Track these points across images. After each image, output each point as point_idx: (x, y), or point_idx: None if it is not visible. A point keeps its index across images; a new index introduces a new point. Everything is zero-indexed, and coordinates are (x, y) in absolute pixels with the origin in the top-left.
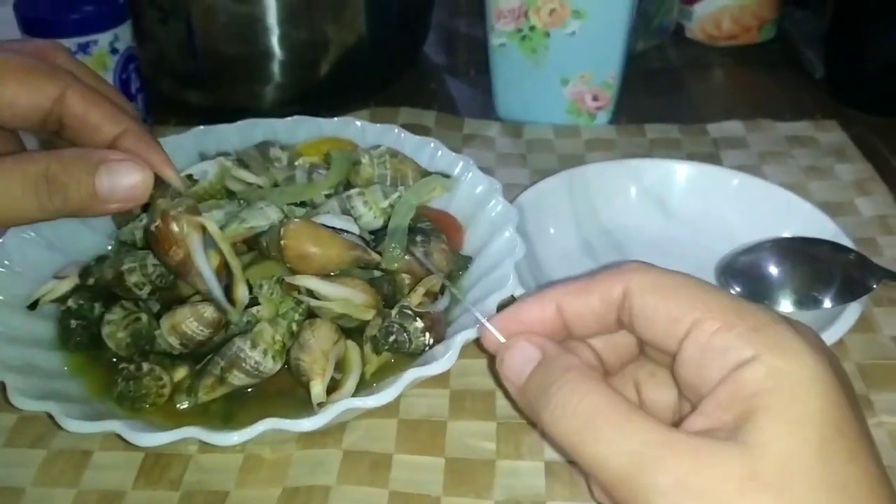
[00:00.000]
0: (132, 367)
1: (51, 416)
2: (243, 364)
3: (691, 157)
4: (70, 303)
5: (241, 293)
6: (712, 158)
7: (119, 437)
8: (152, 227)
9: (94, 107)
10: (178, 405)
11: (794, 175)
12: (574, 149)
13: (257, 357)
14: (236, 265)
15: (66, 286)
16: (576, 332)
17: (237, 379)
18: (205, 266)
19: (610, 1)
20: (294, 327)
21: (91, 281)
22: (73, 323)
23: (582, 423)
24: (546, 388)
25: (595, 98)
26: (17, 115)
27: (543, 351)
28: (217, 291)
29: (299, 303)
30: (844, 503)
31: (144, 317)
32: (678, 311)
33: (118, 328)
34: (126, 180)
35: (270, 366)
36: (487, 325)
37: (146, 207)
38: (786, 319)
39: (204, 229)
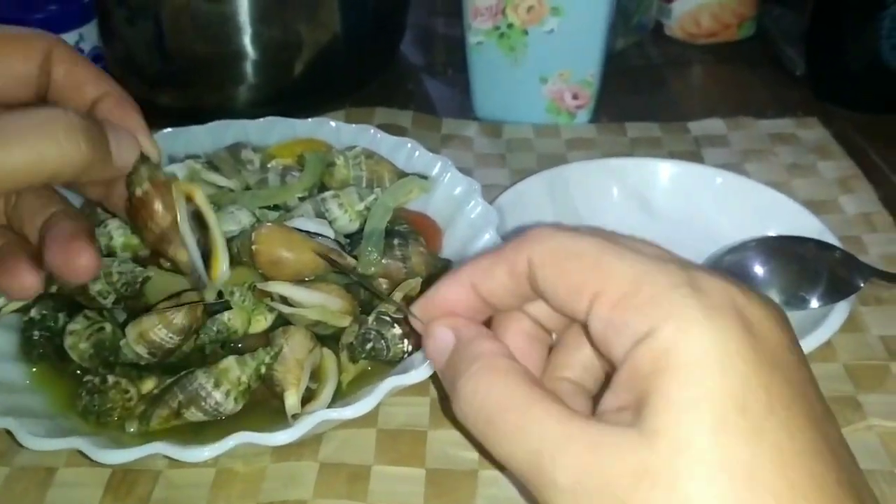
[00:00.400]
0: (97, 379)
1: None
2: (202, 403)
3: (673, 155)
4: (33, 313)
5: (221, 267)
6: (694, 157)
7: (84, 454)
8: (139, 193)
9: (79, 66)
10: (127, 429)
11: (777, 173)
12: (554, 148)
13: (218, 397)
14: (220, 238)
15: None
16: (499, 307)
17: (193, 416)
18: (189, 235)
19: None
20: (262, 370)
21: (54, 289)
22: (36, 334)
23: (485, 421)
24: (454, 382)
25: (575, 96)
26: (14, 75)
27: (457, 335)
28: (199, 262)
29: (271, 309)
30: (750, 493)
31: (109, 326)
32: (578, 283)
33: (81, 339)
34: (128, 147)
35: (231, 407)
36: (408, 310)
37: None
38: (694, 278)
39: (188, 200)
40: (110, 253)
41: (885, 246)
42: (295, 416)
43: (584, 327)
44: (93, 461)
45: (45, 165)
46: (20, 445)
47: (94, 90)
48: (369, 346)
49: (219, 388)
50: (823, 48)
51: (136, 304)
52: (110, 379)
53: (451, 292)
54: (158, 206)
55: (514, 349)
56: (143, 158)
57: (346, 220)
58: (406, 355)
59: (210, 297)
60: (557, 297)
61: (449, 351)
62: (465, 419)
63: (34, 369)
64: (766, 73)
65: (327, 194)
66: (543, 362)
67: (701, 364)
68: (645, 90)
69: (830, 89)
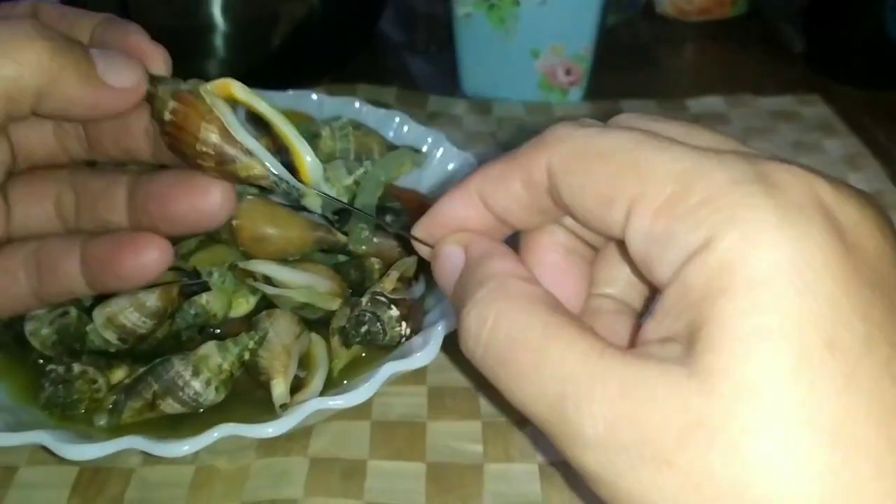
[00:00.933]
0: (61, 368)
1: None
2: (180, 393)
3: None
4: None
5: (311, 165)
6: None
7: (48, 450)
8: (168, 117)
9: (68, 14)
10: (95, 422)
11: (783, 151)
12: (546, 126)
13: (197, 387)
14: (291, 131)
15: None
16: (518, 226)
17: (170, 408)
18: (249, 138)
19: None
20: (246, 356)
21: None
22: None
23: (495, 360)
24: (459, 311)
25: (568, 72)
26: None
27: (467, 253)
28: (278, 166)
29: (254, 291)
30: (839, 456)
31: (74, 311)
32: (610, 188)
33: (43, 324)
34: (124, 67)
35: (212, 398)
36: (410, 235)
37: None
38: (764, 170)
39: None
40: None
41: None
42: (283, 407)
43: (622, 246)
44: (58, 458)
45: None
46: None
47: (91, 19)
48: (364, 328)
49: (198, 377)
50: (824, 24)
51: None
52: (76, 368)
53: (458, 207)
54: (197, 119)
55: (548, 267)
56: (154, 78)
57: (334, 196)
58: (404, 339)
59: (314, 204)
60: (585, 209)
61: (458, 273)
62: (473, 357)
63: None
64: (760, 50)
65: None
66: (586, 282)
67: (774, 283)
68: (637, 68)
69: (830, 67)
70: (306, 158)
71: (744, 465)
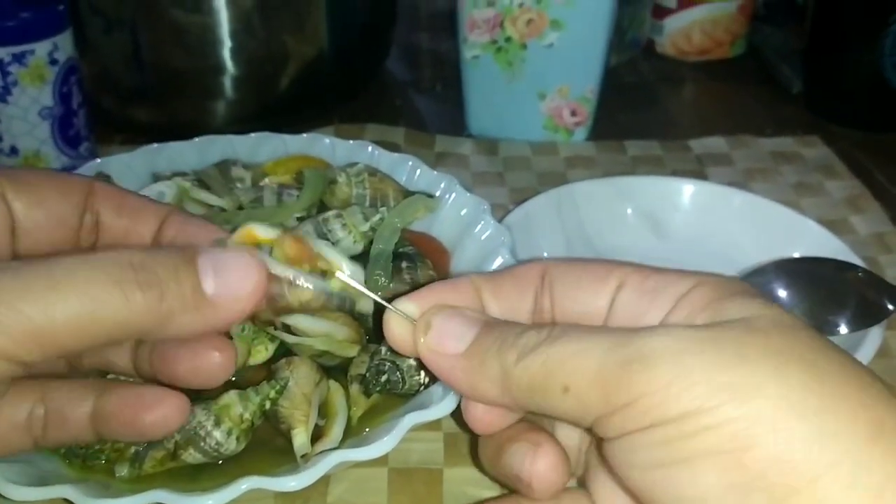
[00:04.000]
0: None
1: None
2: (202, 443)
3: (676, 174)
4: None
5: (353, 272)
6: (698, 175)
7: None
8: None
9: (129, 198)
10: (116, 472)
11: (785, 192)
12: (553, 166)
13: (219, 437)
14: (323, 247)
15: None
16: (504, 315)
17: (191, 457)
18: (328, 249)
19: (590, 11)
20: (267, 405)
21: None
22: None
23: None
24: (501, 366)
25: (573, 113)
26: (52, 214)
27: (479, 321)
28: (315, 282)
29: (273, 338)
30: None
31: None
32: (604, 272)
33: None
34: (238, 273)
35: (233, 447)
36: (389, 305)
37: None
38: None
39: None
40: None
41: None
42: (304, 457)
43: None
44: None
45: (104, 318)
46: None
47: (156, 211)
48: (384, 377)
49: (219, 427)
50: (822, 66)
51: None
52: None
53: (450, 291)
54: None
55: None
56: None
57: (350, 242)
58: (422, 387)
59: (367, 306)
60: (580, 286)
61: (476, 329)
62: (526, 357)
63: None
64: (760, 90)
65: (329, 214)
66: None
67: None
68: (639, 107)
69: (829, 107)
70: (345, 269)
71: None
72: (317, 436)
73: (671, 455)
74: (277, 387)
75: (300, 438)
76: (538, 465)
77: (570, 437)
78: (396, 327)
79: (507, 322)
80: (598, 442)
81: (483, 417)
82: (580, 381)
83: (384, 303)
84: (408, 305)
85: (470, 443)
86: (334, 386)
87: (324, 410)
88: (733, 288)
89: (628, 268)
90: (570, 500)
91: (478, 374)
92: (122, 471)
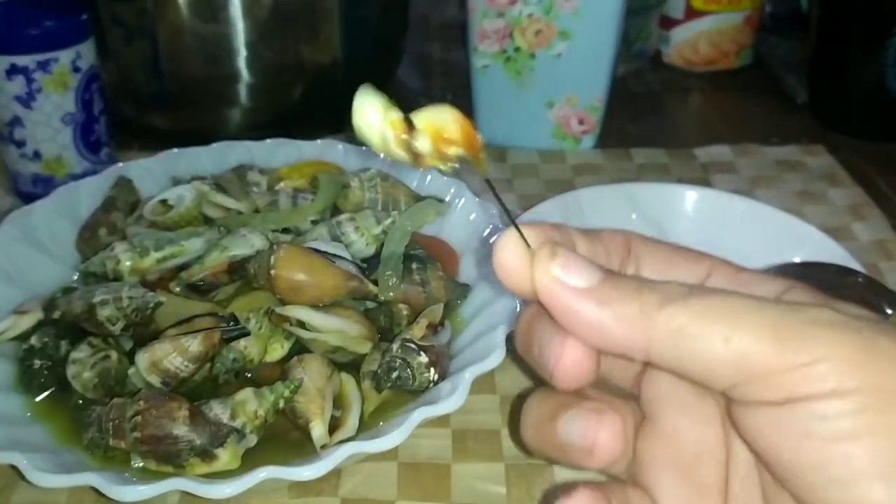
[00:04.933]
0: (105, 410)
1: (13, 468)
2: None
3: (682, 181)
4: (33, 340)
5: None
6: (703, 183)
7: (94, 490)
8: None
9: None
10: (133, 464)
11: (788, 200)
12: (561, 174)
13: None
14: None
15: (27, 322)
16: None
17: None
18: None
19: (597, 21)
20: (281, 403)
21: (57, 315)
22: (37, 363)
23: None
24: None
25: (581, 122)
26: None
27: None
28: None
29: (288, 336)
30: None
31: (114, 354)
32: (694, 256)
33: (84, 368)
34: None
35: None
36: (517, 225)
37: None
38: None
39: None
40: (117, 277)
41: None
42: (324, 447)
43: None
44: (97, 498)
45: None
46: (19, 482)
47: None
48: (395, 374)
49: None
50: (826, 77)
51: (143, 331)
52: None
53: (558, 233)
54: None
55: None
56: None
57: (363, 244)
58: (432, 384)
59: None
60: (671, 268)
61: (597, 276)
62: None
63: (34, 401)
64: (765, 100)
65: (342, 217)
66: None
67: None
68: (646, 117)
69: (833, 117)
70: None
71: None
72: (333, 426)
73: (838, 427)
74: (292, 386)
75: (318, 430)
76: (602, 433)
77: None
78: (514, 249)
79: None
80: (729, 404)
81: (578, 364)
82: (749, 333)
83: (507, 213)
84: (528, 234)
85: (510, 416)
86: (346, 378)
87: (338, 402)
88: (823, 295)
89: (715, 258)
90: (636, 495)
91: (608, 311)
92: (138, 461)
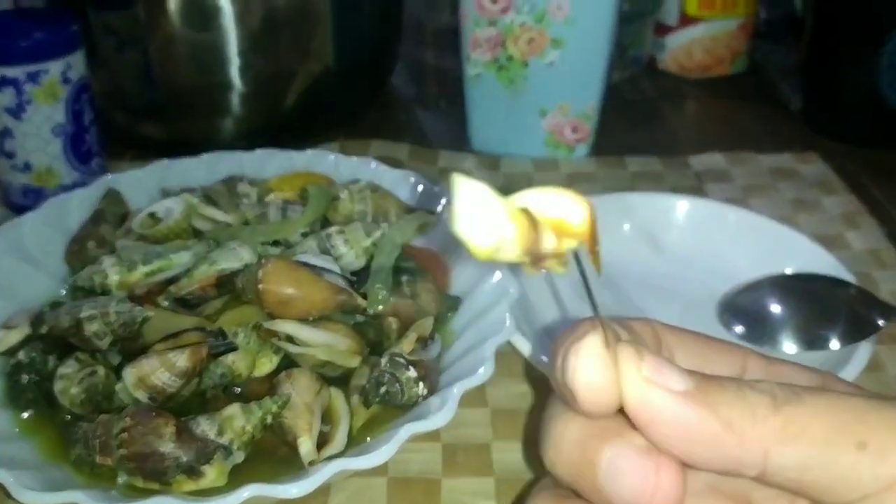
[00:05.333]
0: (91, 426)
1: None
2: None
3: (675, 190)
4: (21, 355)
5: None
6: (697, 192)
7: None
8: None
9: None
10: (119, 480)
11: (782, 208)
12: (554, 182)
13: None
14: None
15: (15, 336)
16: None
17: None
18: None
19: (590, 29)
20: (269, 419)
21: (44, 329)
22: (25, 378)
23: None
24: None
25: (574, 130)
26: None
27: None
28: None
29: (277, 350)
30: None
31: (102, 370)
32: (727, 349)
33: (72, 383)
34: None
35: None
36: (604, 320)
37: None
38: None
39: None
40: (105, 291)
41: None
42: (311, 463)
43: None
44: None
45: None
46: (9, 499)
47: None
48: (383, 389)
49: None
50: (820, 83)
51: (131, 346)
52: None
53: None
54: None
55: None
56: None
57: (352, 257)
58: (421, 399)
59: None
60: (706, 362)
61: (688, 379)
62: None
63: (22, 416)
64: (760, 107)
65: (332, 230)
66: None
67: None
68: (641, 124)
69: (827, 124)
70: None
71: None
72: (322, 442)
73: None
74: (280, 402)
75: (306, 446)
76: (663, 482)
77: None
78: (597, 351)
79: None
80: None
81: (678, 487)
82: (886, 436)
83: (596, 310)
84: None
85: (525, 428)
86: (335, 392)
87: (327, 417)
88: (858, 387)
89: (748, 350)
90: None
91: (707, 420)
92: (123, 476)
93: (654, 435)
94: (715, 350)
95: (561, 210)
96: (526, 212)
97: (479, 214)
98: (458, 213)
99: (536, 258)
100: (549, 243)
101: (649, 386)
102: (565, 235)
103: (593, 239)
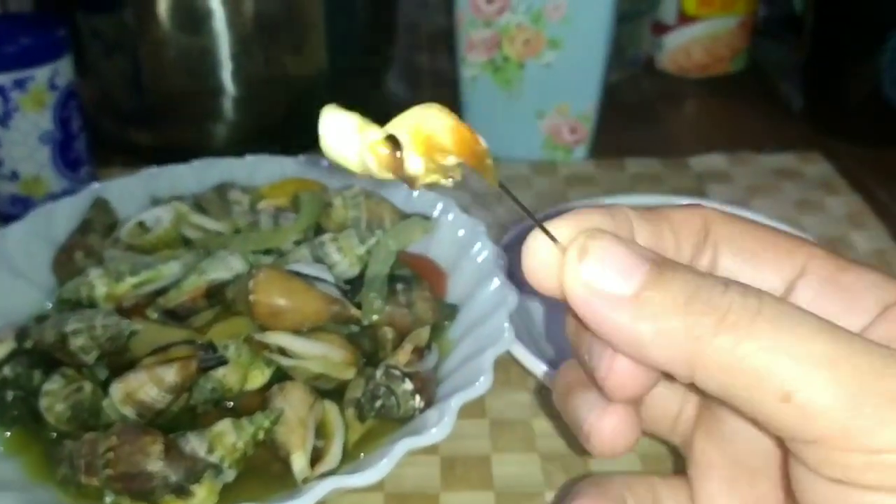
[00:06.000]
0: (76, 445)
1: None
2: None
3: (675, 192)
4: (6, 371)
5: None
6: (697, 193)
7: None
8: None
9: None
10: (106, 500)
11: (786, 209)
12: (553, 185)
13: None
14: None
15: (1, 351)
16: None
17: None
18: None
19: (587, 29)
20: (261, 435)
21: (29, 344)
22: (10, 394)
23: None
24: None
25: (573, 131)
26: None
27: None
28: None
29: (269, 363)
30: None
31: (88, 386)
32: (788, 247)
33: (57, 400)
34: None
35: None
36: (542, 225)
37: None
38: None
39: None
40: (92, 304)
41: None
42: (305, 480)
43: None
44: None
45: None
46: None
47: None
48: (379, 403)
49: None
50: (822, 82)
51: (118, 361)
52: None
53: (606, 217)
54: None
55: None
56: None
57: (346, 265)
58: (418, 412)
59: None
60: (755, 260)
61: (637, 277)
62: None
63: (7, 434)
64: (760, 106)
65: (325, 237)
66: None
67: None
68: (640, 124)
69: (829, 123)
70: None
71: None
72: (316, 457)
73: None
74: (272, 417)
75: (299, 462)
76: (604, 422)
77: (670, 400)
78: (541, 251)
79: (691, 268)
80: (786, 453)
81: (629, 379)
82: (821, 393)
83: (529, 214)
84: (560, 229)
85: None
86: (329, 405)
87: (321, 431)
88: None
89: (817, 250)
90: (665, 487)
91: (648, 330)
92: (111, 497)
93: (598, 335)
94: (770, 247)
95: (432, 130)
96: (391, 138)
97: (343, 143)
98: (323, 142)
99: (412, 178)
100: (416, 164)
101: (586, 288)
102: (442, 153)
103: (472, 152)
